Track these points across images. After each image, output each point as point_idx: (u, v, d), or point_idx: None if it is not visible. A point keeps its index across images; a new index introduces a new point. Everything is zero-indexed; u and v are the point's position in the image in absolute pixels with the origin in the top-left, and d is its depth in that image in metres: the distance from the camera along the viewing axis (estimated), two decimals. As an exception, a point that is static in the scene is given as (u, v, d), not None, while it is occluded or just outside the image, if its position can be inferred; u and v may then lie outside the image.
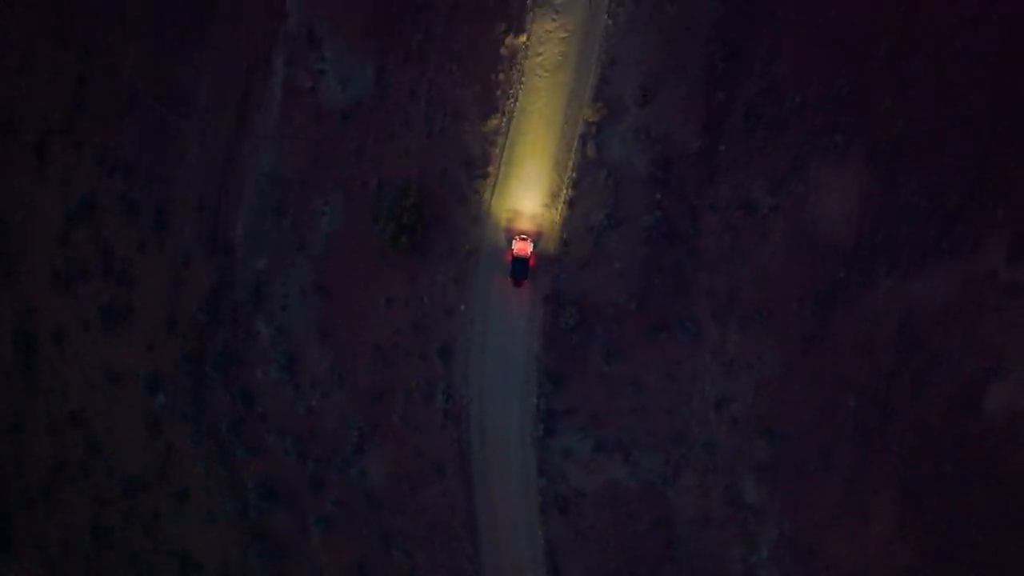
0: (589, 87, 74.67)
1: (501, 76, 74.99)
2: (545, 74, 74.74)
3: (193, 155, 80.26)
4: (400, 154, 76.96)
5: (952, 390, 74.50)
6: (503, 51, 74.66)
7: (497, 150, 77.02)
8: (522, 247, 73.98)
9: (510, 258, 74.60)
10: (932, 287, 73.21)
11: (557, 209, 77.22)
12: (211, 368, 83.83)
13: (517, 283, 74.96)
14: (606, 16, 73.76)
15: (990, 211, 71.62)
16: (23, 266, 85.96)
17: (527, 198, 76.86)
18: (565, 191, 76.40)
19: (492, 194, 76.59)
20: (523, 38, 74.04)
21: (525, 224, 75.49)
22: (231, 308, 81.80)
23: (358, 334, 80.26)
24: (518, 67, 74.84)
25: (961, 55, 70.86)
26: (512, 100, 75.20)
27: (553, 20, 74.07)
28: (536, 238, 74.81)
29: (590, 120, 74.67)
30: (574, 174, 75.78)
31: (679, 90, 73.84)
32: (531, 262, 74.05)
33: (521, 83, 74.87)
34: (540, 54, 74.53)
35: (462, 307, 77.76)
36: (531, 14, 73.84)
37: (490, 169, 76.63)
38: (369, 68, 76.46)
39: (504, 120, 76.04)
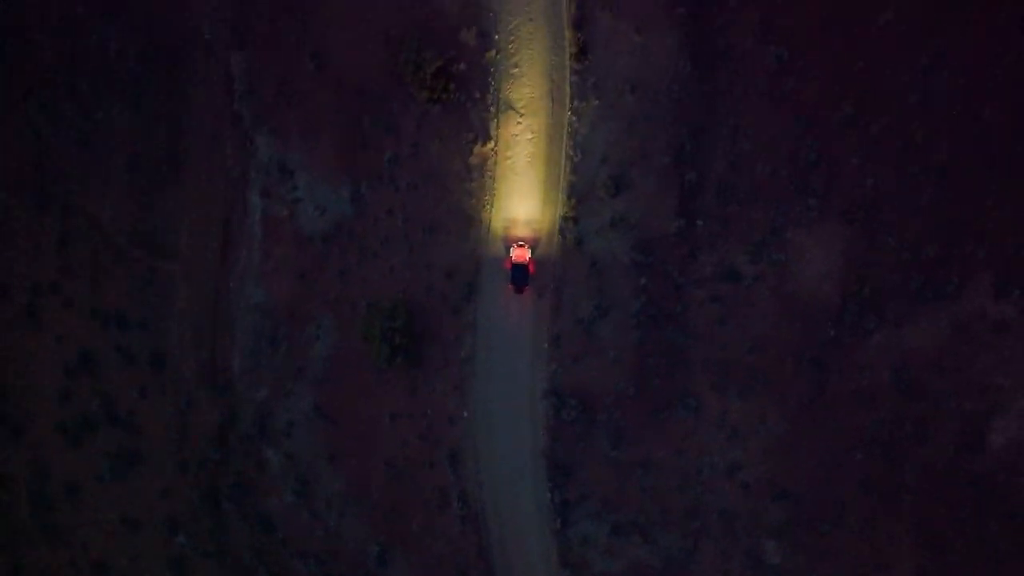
0: (561, 183, 65.47)
1: (473, 185, 66.06)
2: (516, 176, 65.88)
3: (182, 297, 71.54)
4: (384, 272, 68.47)
5: (956, 431, 67.67)
6: (472, 160, 66.20)
7: (478, 256, 67.95)
8: (520, 254, 66.28)
9: (509, 265, 66.77)
10: (923, 333, 66.07)
11: (547, 297, 68.98)
12: (227, 501, 74.78)
13: (519, 290, 67.22)
14: (569, 113, 65.03)
15: (970, 254, 64.74)
16: (29, 425, 76.23)
17: (513, 297, 67.28)
18: (551, 287, 66.44)
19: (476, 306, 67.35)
20: (491, 144, 65.36)
21: (522, 231, 67.45)
22: (239, 440, 72.73)
23: (366, 452, 71.85)
24: (489, 173, 66.05)
25: (920, 105, 63.36)
26: (488, 207, 66.13)
27: (518, 123, 66.94)
28: (534, 244, 67.01)
29: (567, 215, 65.20)
30: (559, 270, 65.86)
31: (649, 176, 65.99)
32: (531, 268, 66.66)
33: (494, 190, 66.01)
34: (509, 157, 67.41)
35: (464, 413, 68.64)
36: (495, 120, 65.14)
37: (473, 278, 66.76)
38: (344, 191, 68.45)
39: (482, 227, 66.85)
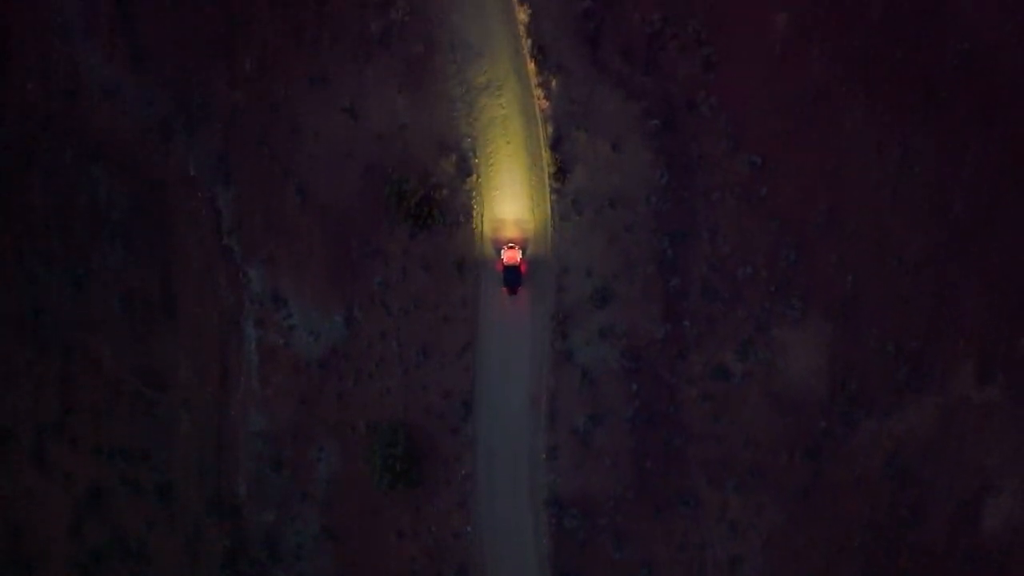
0: (548, 298, 56.64)
1: (464, 310, 56.96)
2: (503, 293, 56.94)
3: (184, 427, 62.64)
4: (382, 393, 59.95)
5: (950, 513, 61.05)
6: (461, 285, 56.92)
7: (473, 375, 60.42)
8: (511, 255, 57.32)
9: (501, 268, 57.80)
10: (912, 422, 59.11)
11: (540, 410, 60.17)
12: (241, 625, 64.36)
13: (512, 291, 58.14)
14: (552, 230, 55.98)
15: (951, 345, 56.64)
16: (42, 564, 66.80)
17: (508, 408, 60.75)
18: (545, 397, 58.83)
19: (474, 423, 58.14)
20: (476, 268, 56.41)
21: (511, 232, 58.50)
22: (249, 564, 64.12)
23: (375, 571, 63.87)
24: (478, 291, 56.96)
25: (893, 202, 57.52)
26: (479, 323, 57.59)
27: (503, 244, 57.96)
28: (524, 245, 58.07)
29: (556, 329, 56.19)
30: (550, 381, 56.92)
31: (635, 285, 57.98)
32: (522, 268, 57.60)
33: (485, 304, 57.36)
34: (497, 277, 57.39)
35: (468, 528, 59.71)
36: (480, 243, 56.45)
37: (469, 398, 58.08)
38: (337, 316, 60.12)
39: (476, 347, 59.22)
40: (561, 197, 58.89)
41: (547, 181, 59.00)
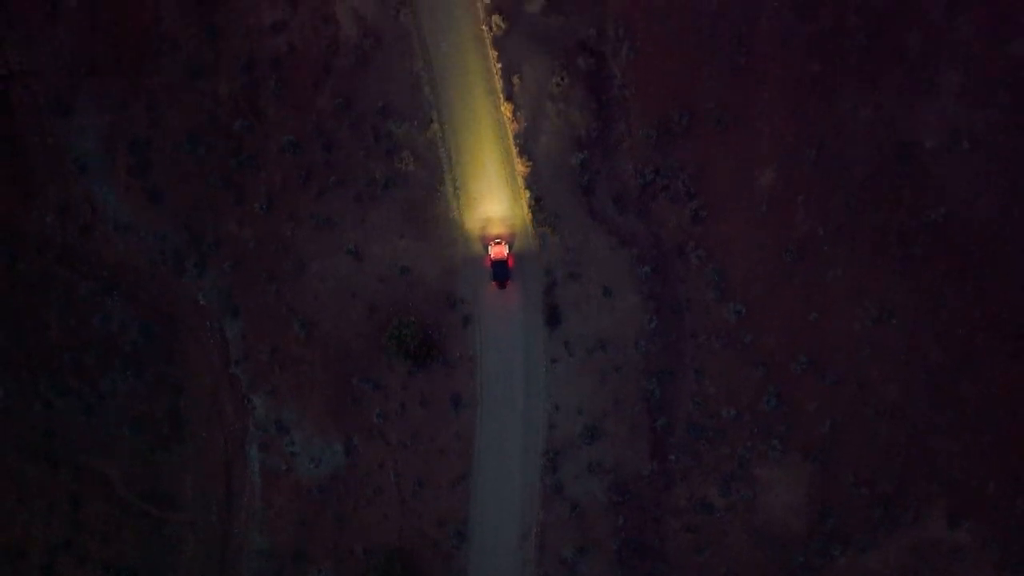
0: (540, 435, 47.91)
1: (459, 443, 47.97)
2: (495, 424, 47.82)
3: (189, 546, 54.38)
4: (379, 519, 51.74)
5: None
6: (456, 420, 48.02)
7: (467, 505, 49.44)
8: (498, 251, 49.36)
9: (489, 263, 49.67)
10: (885, 557, 51.34)
11: (530, 540, 52.46)
12: None
13: (501, 285, 50.11)
14: (544, 369, 47.47)
15: (924, 487, 48.74)
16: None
17: (499, 537, 52.94)
18: (535, 528, 49.52)
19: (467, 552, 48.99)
20: (471, 406, 47.45)
21: (497, 228, 50.03)
22: None
23: None
24: (472, 421, 47.82)
25: (872, 352, 50.15)
26: (473, 456, 47.99)
27: (497, 383, 51.17)
28: (511, 240, 49.75)
29: (547, 464, 47.56)
30: (540, 513, 48.03)
31: (623, 424, 49.99)
32: (510, 262, 49.45)
33: (478, 435, 48.40)
34: (490, 414, 48.57)
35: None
36: (476, 382, 47.49)
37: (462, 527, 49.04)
38: (337, 445, 51.86)
39: (469, 477, 51.16)
40: (554, 340, 50.11)
41: (541, 325, 50.35)
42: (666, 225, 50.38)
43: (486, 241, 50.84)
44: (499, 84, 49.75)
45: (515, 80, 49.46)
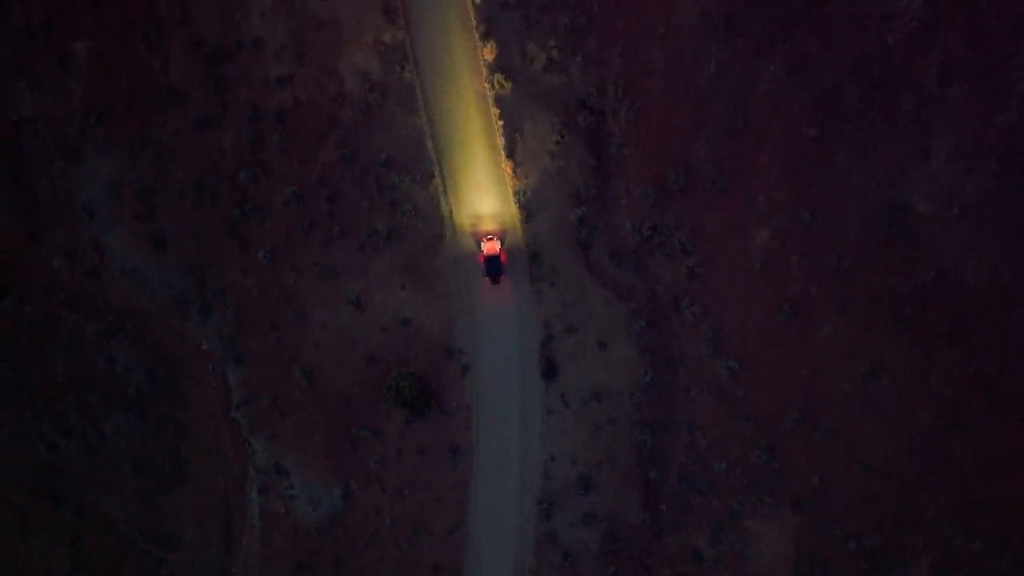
0: (535, 484, 48.13)
1: (455, 492, 48.28)
2: (491, 473, 48.44)
3: (188, 585, 51.97)
4: (376, 563, 52.52)
5: None
6: (453, 469, 48.37)
7: (462, 552, 49.63)
8: (491, 247, 48.80)
9: (482, 259, 49.04)
10: None
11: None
12: None
13: (495, 280, 49.51)
14: (539, 420, 48.08)
15: (911, 542, 49.45)
16: None
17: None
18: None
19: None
20: (468, 452, 47.82)
21: (489, 225, 49.45)
22: None
23: None
24: (469, 470, 48.18)
25: (862, 409, 50.29)
26: (469, 504, 48.31)
27: (493, 433, 51.16)
28: (502, 236, 49.23)
29: (541, 513, 47.75)
30: (533, 561, 48.56)
31: (616, 474, 50.48)
32: (502, 258, 48.94)
33: (474, 484, 48.18)
34: (484, 467, 48.68)
35: None
36: (473, 432, 47.87)
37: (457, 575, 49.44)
38: (335, 489, 51.97)
39: (465, 525, 51.79)
40: (550, 391, 50.43)
41: (537, 378, 50.60)
42: (662, 280, 50.60)
43: (478, 238, 50.36)
44: (501, 141, 50.06)
45: (517, 137, 49.78)
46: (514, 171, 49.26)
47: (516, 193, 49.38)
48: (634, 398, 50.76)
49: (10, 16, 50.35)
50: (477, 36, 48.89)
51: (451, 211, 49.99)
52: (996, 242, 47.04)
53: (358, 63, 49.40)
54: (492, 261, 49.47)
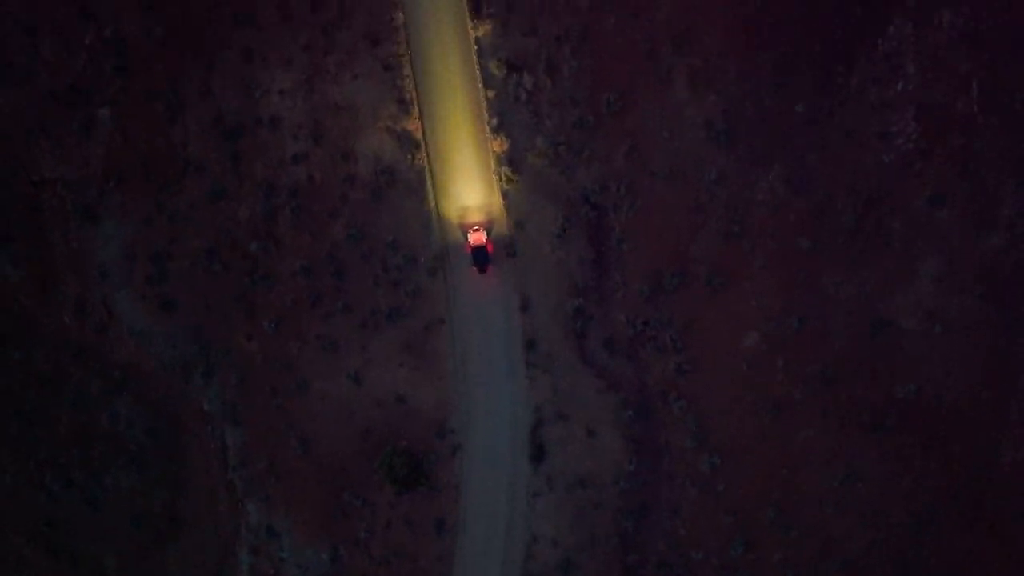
0: (517, 564, 49.13)
1: (440, 565, 49.30)
2: (475, 550, 49.47)
3: (177, 643, 52.42)
4: (362, 624, 50.34)
5: None
6: (438, 542, 49.00)
7: None
8: (477, 237, 48.46)
9: (469, 250, 48.82)
10: None
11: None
12: None
13: (482, 270, 49.26)
14: (525, 502, 48.83)
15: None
16: None
17: None
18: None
19: None
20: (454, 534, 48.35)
21: (475, 216, 49.37)
22: None
23: None
24: (453, 545, 48.63)
25: (837, 508, 50.82)
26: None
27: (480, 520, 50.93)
28: (489, 226, 49.01)
29: None
30: None
31: (596, 558, 51.23)
32: (489, 248, 48.64)
33: (458, 559, 48.62)
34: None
35: None
36: (460, 516, 48.30)
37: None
38: (324, 554, 52.11)
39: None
40: (537, 474, 51.11)
41: (525, 461, 51.19)
42: (652, 373, 51.08)
43: (465, 228, 49.92)
44: (505, 231, 50.83)
45: (520, 228, 50.54)
46: (515, 260, 49.95)
47: (516, 284, 49.99)
48: (619, 485, 51.26)
49: (38, 79, 50.80)
50: (488, 129, 49.58)
51: (454, 297, 50.60)
52: (976, 363, 47.62)
53: (371, 147, 49.97)
54: (479, 251, 49.20)
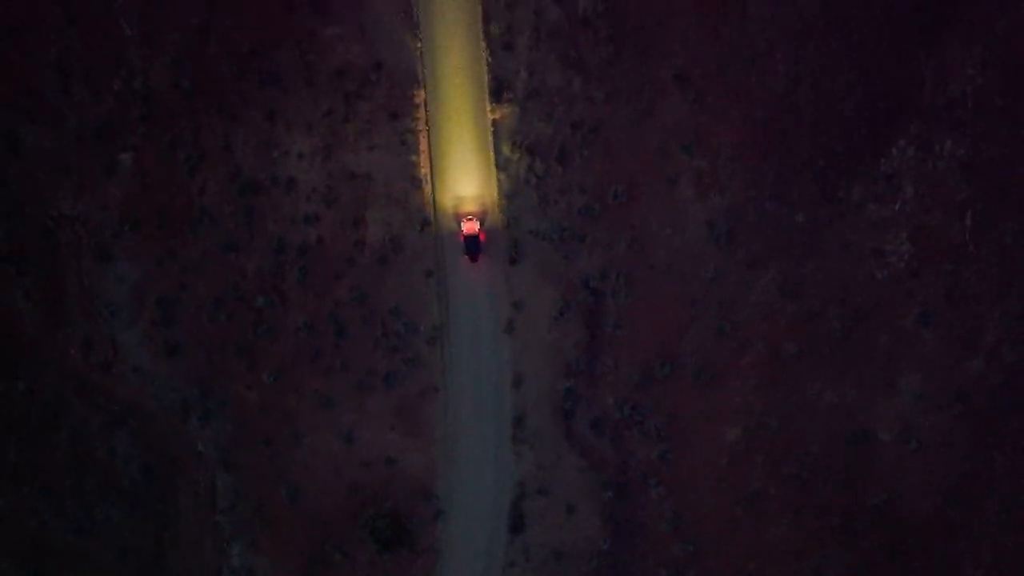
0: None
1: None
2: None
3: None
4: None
5: None
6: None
7: None
8: (470, 226, 48.63)
9: (462, 238, 49.07)
10: None
11: None
12: None
13: (473, 258, 49.38)
14: (501, 572, 50.61)
15: None
16: None
17: None
18: None
19: None
20: None
21: (469, 206, 49.64)
22: None
23: None
24: None
25: None
26: None
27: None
28: (482, 216, 49.29)
29: None
30: None
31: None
32: (481, 237, 48.85)
33: None
34: None
35: None
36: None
37: None
38: (304, 601, 50.39)
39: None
40: (514, 545, 51.84)
41: (502, 540, 51.86)
42: (635, 457, 51.65)
43: (459, 218, 50.18)
44: (504, 310, 51.66)
45: (519, 308, 51.34)
46: (511, 339, 50.76)
47: (511, 361, 50.75)
48: (592, 563, 51.88)
49: (66, 120, 51.45)
50: (499, 209, 50.27)
51: (450, 369, 51.35)
52: (947, 481, 48.37)
53: (382, 216, 50.60)
54: (471, 240, 49.34)
